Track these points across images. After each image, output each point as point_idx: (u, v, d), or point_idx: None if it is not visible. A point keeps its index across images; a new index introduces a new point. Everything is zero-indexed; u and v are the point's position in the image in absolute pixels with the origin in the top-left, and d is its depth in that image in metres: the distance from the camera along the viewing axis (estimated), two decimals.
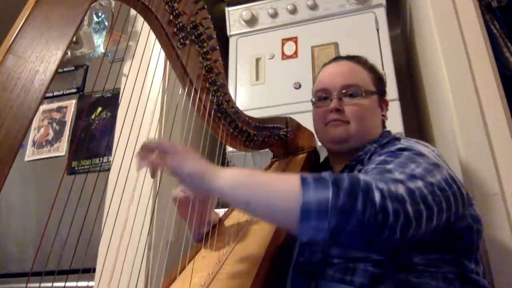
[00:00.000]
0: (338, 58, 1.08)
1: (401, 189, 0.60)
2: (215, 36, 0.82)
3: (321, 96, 0.98)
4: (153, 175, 0.66)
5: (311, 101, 1.03)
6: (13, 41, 0.44)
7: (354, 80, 0.96)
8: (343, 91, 0.95)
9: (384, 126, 1.02)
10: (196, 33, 0.78)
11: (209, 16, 0.81)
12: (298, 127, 1.21)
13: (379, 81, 1.01)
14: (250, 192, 0.62)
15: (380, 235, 0.57)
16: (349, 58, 1.03)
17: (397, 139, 0.85)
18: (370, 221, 0.56)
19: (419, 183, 0.64)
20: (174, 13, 0.72)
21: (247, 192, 0.62)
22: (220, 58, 0.85)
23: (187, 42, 0.76)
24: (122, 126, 0.87)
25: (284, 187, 0.60)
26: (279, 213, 0.60)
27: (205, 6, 0.80)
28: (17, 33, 0.45)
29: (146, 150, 0.67)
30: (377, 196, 0.57)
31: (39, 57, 0.47)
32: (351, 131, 0.92)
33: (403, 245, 0.63)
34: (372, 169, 0.70)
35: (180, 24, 0.74)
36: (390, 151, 0.75)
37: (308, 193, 0.57)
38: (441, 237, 0.70)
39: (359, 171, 0.82)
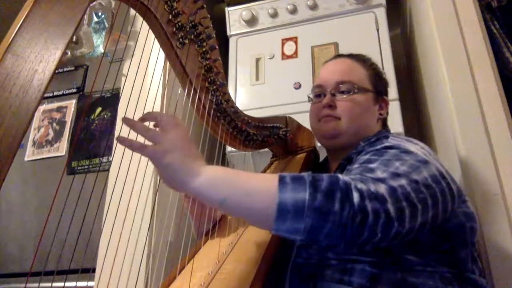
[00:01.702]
0: (339, 56, 1.09)
1: (381, 188, 0.60)
2: (214, 36, 0.82)
3: (316, 93, 1.00)
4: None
5: (308, 97, 1.04)
6: (12, 40, 0.44)
7: (348, 77, 0.96)
8: (337, 87, 0.96)
9: (384, 125, 1.02)
10: (195, 33, 0.78)
11: (208, 16, 0.81)
12: (298, 126, 1.21)
13: (378, 80, 1.01)
14: (225, 190, 0.60)
15: (360, 236, 0.57)
16: (350, 56, 1.04)
17: (385, 137, 0.84)
18: (348, 222, 0.56)
19: (402, 181, 0.63)
20: (173, 12, 0.72)
21: (223, 190, 0.60)
22: (219, 58, 0.85)
23: (186, 41, 0.76)
24: (122, 126, 0.87)
25: (261, 186, 0.59)
26: (254, 212, 0.59)
27: (204, 6, 0.80)
28: (16, 33, 0.45)
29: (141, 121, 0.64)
30: (355, 196, 0.57)
31: (38, 57, 0.47)
32: (342, 126, 0.93)
33: (389, 244, 0.62)
34: (355, 169, 0.69)
35: (179, 24, 0.73)
36: (376, 150, 0.75)
37: (285, 193, 0.56)
38: (433, 236, 0.70)
39: (348, 170, 0.82)
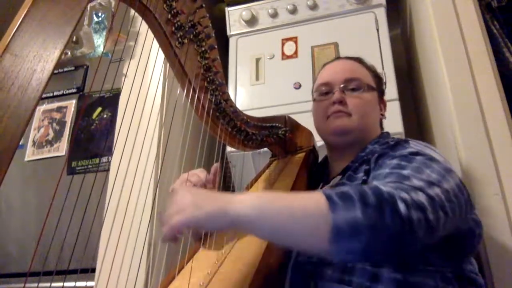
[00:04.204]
0: (338, 58, 1.10)
1: (422, 197, 0.61)
2: (213, 35, 0.82)
3: (322, 90, 0.99)
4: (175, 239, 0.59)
5: (312, 96, 1.03)
6: (10, 40, 0.44)
7: (356, 74, 0.97)
8: (346, 84, 0.95)
9: (382, 127, 1.02)
10: (194, 32, 0.78)
11: (207, 15, 0.81)
12: (297, 126, 1.21)
13: (378, 81, 1.02)
14: (275, 221, 0.57)
15: (405, 243, 0.58)
16: (349, 58, 1.05)
17: (406, 141, 0.84)
18: (398, 232, 0.56)
19: (437, 190, 0.64)
20: (172, 12, 0.72)
21: (272, 221, 0.58)
22: (218, 57, 0.85)
23: (185, 41, 0.76)
24: (121, 126, 0.87)
25: (311, 209, 0.57)
26: (308, 239, 0.58)
27: (203, 5, 0.80)
28: (15, 32, 0.45)
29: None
30: (402, 207, 0.57)
31: (36, 56, 0.47)
32: (353, 123, 0.92)
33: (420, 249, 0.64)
34: (388, 174, 0.70)
35: (178, 23, 0.73)
36: (403, 155, 0.75)
37: (337, 214, 0.55)
38: (443, 240, 0.70)
39: (365, 171, 0.82)
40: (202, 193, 0.61)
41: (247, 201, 0.58)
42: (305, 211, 0.57)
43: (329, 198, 0.57)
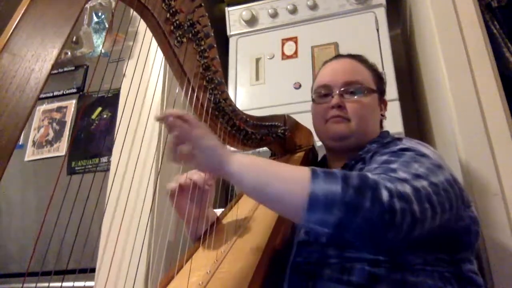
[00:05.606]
0: (339, 56, 1.09)
1: (407, 188, 0.61)
2: (212, 34, 0.81)
3: (321, 93, 0.98)
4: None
5: (311, 97, 1.02)
6: (8, 39, 0.44)
7: (356, 77, 0.95)
8: (345, 88, 0.94)
9: (382, 126, 1.01)
10: (193, 31, 0.78)
11: (206, 14, 0.81)
12: (296, 125, 1.21)
13: (379, 80, 1.01)
14: (259, 177, 0.62)
15: (386, 233, 0.57)
16: (350, 56, 1.03)
17: (399, 139, 0.85)
18: (377, 219, 0.56)
19: (424, 183, 0.64)
20: (171, 11, 0.72)
21: (257, 176, 0.62)
22: (217, 56, 0.85)
23: (184, 40, 0.76)
24: (119, 125, 0.87)
25: (294, 176, 0.60)
26: (285, 201, 0.60)
27: (202, 4, 0.79)
28: (13, 31, 0.45)
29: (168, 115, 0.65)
30: (384, 194, 0.57)
31: (34, 56, 0.47)
32: (352, 128, 0.92)
33: (405, 243, 0.63)
34: (375, 168, 0.70)
35: (177, 22, 0.73)
36: (393, 151, 0.75)
37: (317, 185, 0.57)
38: (438, 237, 0.70)
39: (360, 170, 0.82)
40: (211, 147, 0.65)
41: (238, 159, 0.63)
42: (288, 176, 0.61)
43: (313, 170, 0.60)
